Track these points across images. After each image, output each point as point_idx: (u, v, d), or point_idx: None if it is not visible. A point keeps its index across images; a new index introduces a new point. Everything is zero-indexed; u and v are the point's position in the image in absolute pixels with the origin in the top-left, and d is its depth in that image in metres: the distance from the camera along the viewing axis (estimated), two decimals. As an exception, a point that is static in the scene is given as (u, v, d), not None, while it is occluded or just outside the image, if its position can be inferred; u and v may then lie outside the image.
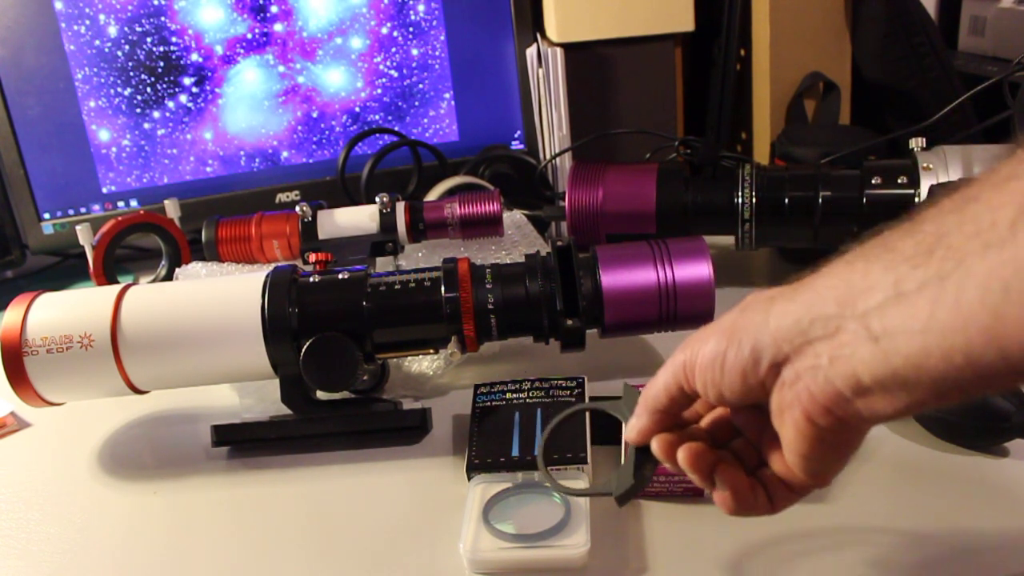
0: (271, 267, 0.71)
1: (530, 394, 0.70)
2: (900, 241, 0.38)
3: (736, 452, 0.48)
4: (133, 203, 1.07)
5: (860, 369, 0.38)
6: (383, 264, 0.85)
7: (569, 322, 0.68)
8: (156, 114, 1.05)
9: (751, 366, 0.42)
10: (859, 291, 0.38)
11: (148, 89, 1.04)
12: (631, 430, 0.50)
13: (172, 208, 0.98)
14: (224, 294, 0.69)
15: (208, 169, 1.08)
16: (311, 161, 1.10)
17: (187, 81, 1.04)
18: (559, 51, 1.03)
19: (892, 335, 0.36)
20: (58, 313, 0.68)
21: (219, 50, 1.04)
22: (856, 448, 0.43)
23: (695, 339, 0.45)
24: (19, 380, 0.68)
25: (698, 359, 0.44)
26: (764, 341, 0.41)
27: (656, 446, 0.48)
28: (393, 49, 1.08)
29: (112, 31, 1.01)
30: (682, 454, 0.47)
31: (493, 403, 0.69)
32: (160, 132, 1.05)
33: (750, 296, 0.44)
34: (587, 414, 0.67)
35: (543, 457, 0.55)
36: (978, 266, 0.34)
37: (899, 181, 0.80)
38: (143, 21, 1.02)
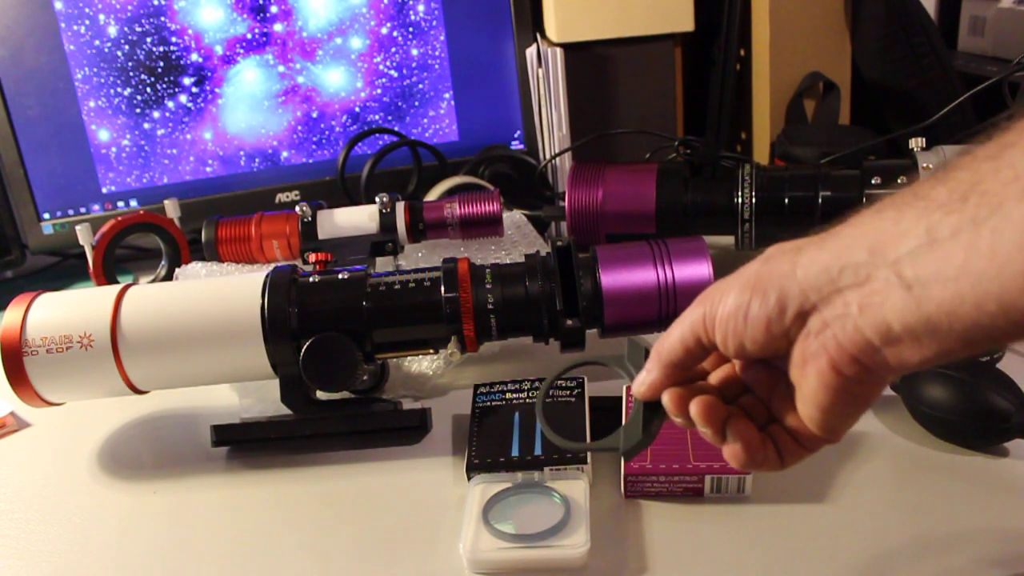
0: (271, 267, 0.71)
1: (530, 394, 0.70)
2: (932, 189, 0.37)
3: (745, 408, 0.48)
4: (133, 203, 1.07)
5: (891, 317, 0.37)
6: (383, 264, 0.85)
7: (569, 322, 0.68)
8: (156, 114, 1.05)
9: (776, 315, 0.41)
10: (891, 238, 0.37)
11: (148, 89, 1.04)
12: (641, 384, 0.48)
13: (172, 208, 0.98)
14: (224, 294, 0.69)
15: (208, 169, 1.08)
16: (311, 161, 1.10)
17: (187, 81, 1.04)
18: (559, 51, 1.03)
19: (925, 282, 0.36)
20: (58, 313, 0.68)
21: (219, 50, 1.04)
22: (871, 403, 0.42)
23: (714, 291, 0.44)
24: (19, 380, 0.68)
25: (719, 310, 0.43)
26: (791, 290, 0.41)
27: (668, 400, 0.47)
28: (393, 49, 1.08)
29: (112, 31, 1.01)
30: (695, 407, 0.46)
31: (493, 403, 0.69)
32: (160, 132, 1.05)
33: (773, 247, 0.44)
34: (587, 414, 0.67)
35: (542, 410, 0.53)
36: (1016, 211, 0.33)
37: (899, 181, 0.80)
38: (143, 21, 1.02)
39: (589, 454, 0.63)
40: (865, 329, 0.38)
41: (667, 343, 0.47)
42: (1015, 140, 0.35)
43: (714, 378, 0.49)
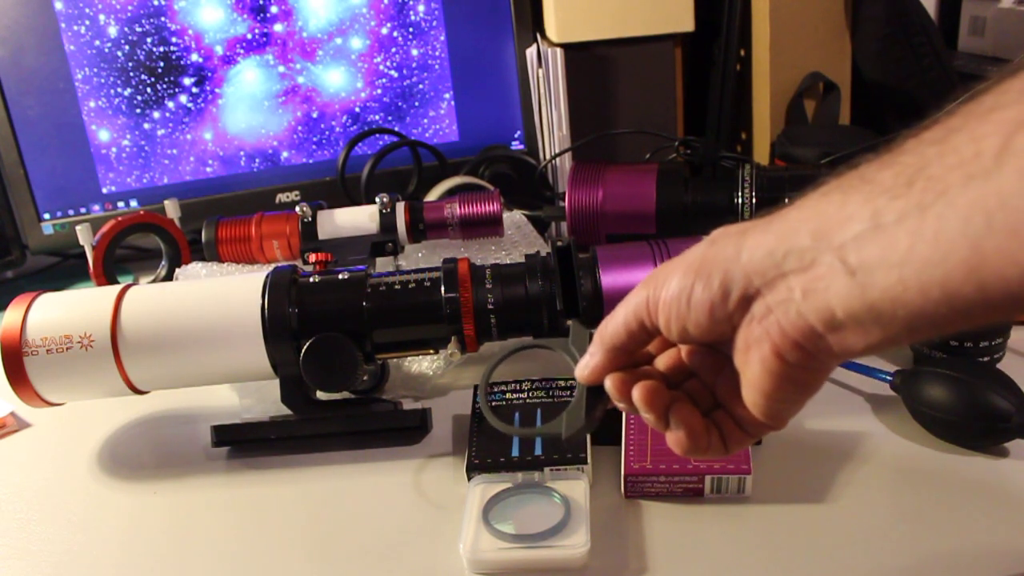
0: (271, 267, 0.71)
1: (530, 394, 0.70)
2: (878, 172, 0.37)
3: (690, 393, 0.47)
4: (133, 203, 1.07)
5: (834, 303, 0.36)
6: (383, 264, 0.85)
7: (569, 322, 0.68)
8: (156, 114, 1.05)
9: (720, 300, 0.40)
10: (836, 223, 0.37)
11: (148, 89, 1.04)
12: (584, 368, 0.48)
13: (172, 208, 0.98)
14: (224, 294, 0.69)
15: (208, 169, 1.08)
16: (311, 161, 1.10)
17: (187, 81, 1.04)
18: (559, 51, 1.03)
19: (869, 268, 0.35)
20: (58, 313, 0.68)
21: (219, 50, 1.04)
22: (817, 389, 0.41)
23: (658, 274, 0.44)
24: (19, 380, 0.68)
25: (662, 294, 0.43)
26: (735, 274, 0.40)
27: (611, 384, 0.46)
28: (393, 49, 1.08)
29: (112, 31, 1.01)
30: (637, 392, 0.45)
31: (493, 403, 0.69)
32: (160, 132, 1.05)
33: (718, 230, 0.43)
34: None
35: (484, 389, 0.53)
36: (960, 197, 0.33)
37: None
38: (143, 21, 1.02)
39: (589, 454, 0.63)
40: (808, 315, 0.37)
41: (610, 326, 0.46)
42: (960, 124, 0.34)
43: (659, 363, 0.48)
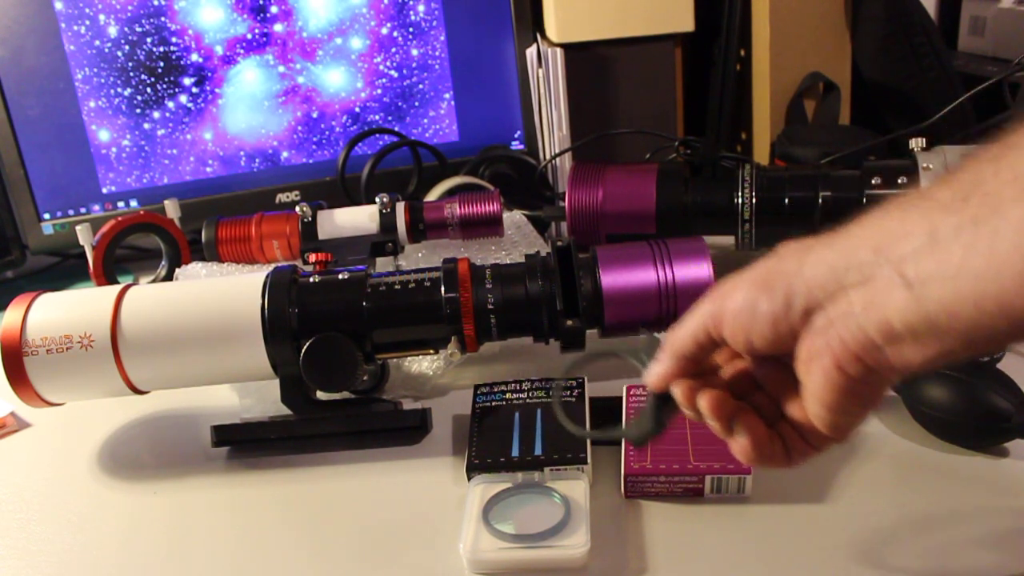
0: (271, 267, 0.71)
1: (530, 394, 0.70)
2: (937, 190, 0.38)
3: (755, 404, 0.48)
4: (133, 203, 1.07)
5: (892, 315, 0.37)
6: (383, 264, 0.85)
7: (569, 322, 0.68)
8: (156, 114, 1.05)
9: (783, 312, 0.42)
10: (894, 238, 0.38)
11: (148, 89, 1.04)
12: (652, 375, 0.49)
13: (172, 208, 0.98)
14: (224, 294, 0.69)
15: (208, 169, 1.08)
16: (311, 161, 1.10)
17: (187, 81, 1.04)
18: (559, 51, 1.03)
19: (925, 281, 0.36)
20: (58, 313, 0.68)
21: (219, 50, 1.04)
22: (878, 402, 0.42)
23: (725, 288, 0.45)
24: (19, 380, 0.68)
25: (728, 306, 0.44)
26: (798, 288, 0.41)
27: (678, 391, 0.48)
28: (393, 49, 1.08)
29: (112, 31, 1.01)
30: (703, 400, 0.46)
31: (493, 403, 0.69)
32: (160, 132, 1.05)
33: (783, 245, 0.44)
34: (587, 415, 0.67)
35: (557, 399, 0.54)
36: (1014, 212, 0.34)
37: (899, 181, 0.80)
38: (143, 21, 1.02)
39: (589, 454, 0.63)
40: (868, 327, 0.38)
41: (679, 336, 0.48)
42: (1018, 142, 0.35)
43: (726, 373, 0.50)
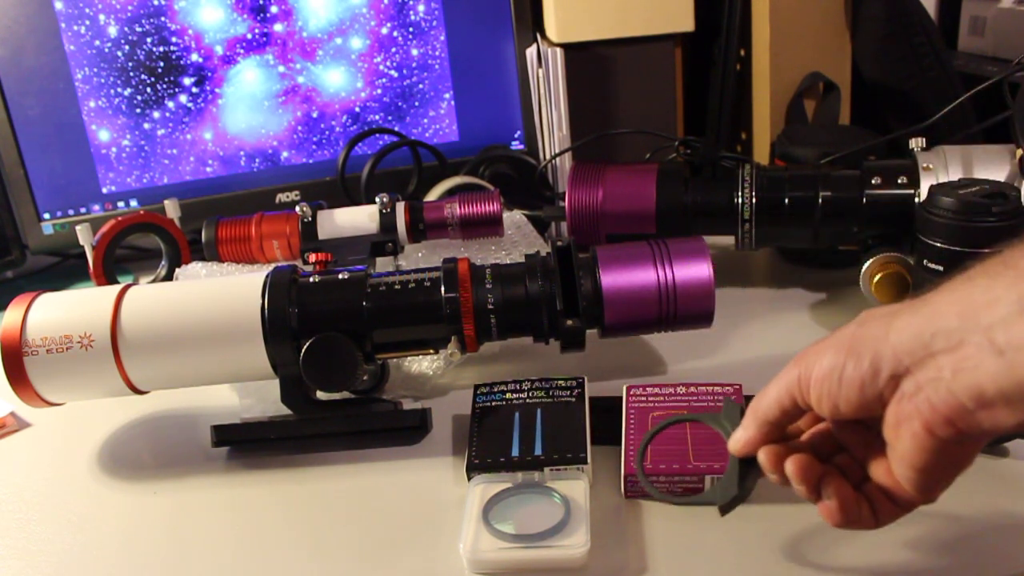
0: (271, 267, 0.71)
1: (530, 394, 0.70)
2: (1022, 259, 0.39)
3: (839, 467, 0.49)
4: (133, 203, 1.07)
5: (984, 381, 0.39)
6: (383, 264, 0.85)
7: (569, 322, 0.68)
8: (156, 114, 1.05)
9: (870, 378, 0.43)
10: (981, 305, 0.39)
11: (148, 89, 1.04)
12: (737, 442, 0.50)
13: (172, 208, 0.98)
14: (224, 294, 0.69)
15: (208, 169, 1.08)
16: (311, 161, 1.10)
17: (187, 81, 1.04)
18: (559, 51, 1.03)
19: (1017, 348, 0.38)
20: (58, 313, 0.68)
21: (219, 50, 1.04)
22: (969, 463, 0.44)
23: (810, 353, 0.46)
24: (19, 380, 0.68)
25: (814, 372, 0.45)
26: (884, 353, 0.42)
27: (763, 457, 0.49)
28: (393, 49, 1.08)
29: (112, 31, 1.01)
30: (791, 465, 0.48)
31: (493, 403, 0.69)
32: (160, 132, 1.05)
33: (867, 312, 0.46)
34: (587, 414, 0.67)
35: (640, 466, 0.57)
36: None
37: (899, 181, 0.80)
38: (143, 21, 1.02)
39: (589, 454, 0.63)
40: (959, 393, 0.40)
41: (764, 402, 0.49)
42: None
43: (809, 436, 0.51)
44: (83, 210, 1.06)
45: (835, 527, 0.48)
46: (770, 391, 0.48)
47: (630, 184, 0.86)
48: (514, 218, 0.91)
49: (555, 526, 0.57)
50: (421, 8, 1.07)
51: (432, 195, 0.98)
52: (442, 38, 1.09)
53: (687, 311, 0.69)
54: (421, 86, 1.10)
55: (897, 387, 0.42)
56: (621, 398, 0.68)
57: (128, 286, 0.71)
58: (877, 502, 0.47)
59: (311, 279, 0.70)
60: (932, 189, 0.70)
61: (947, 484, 0.45)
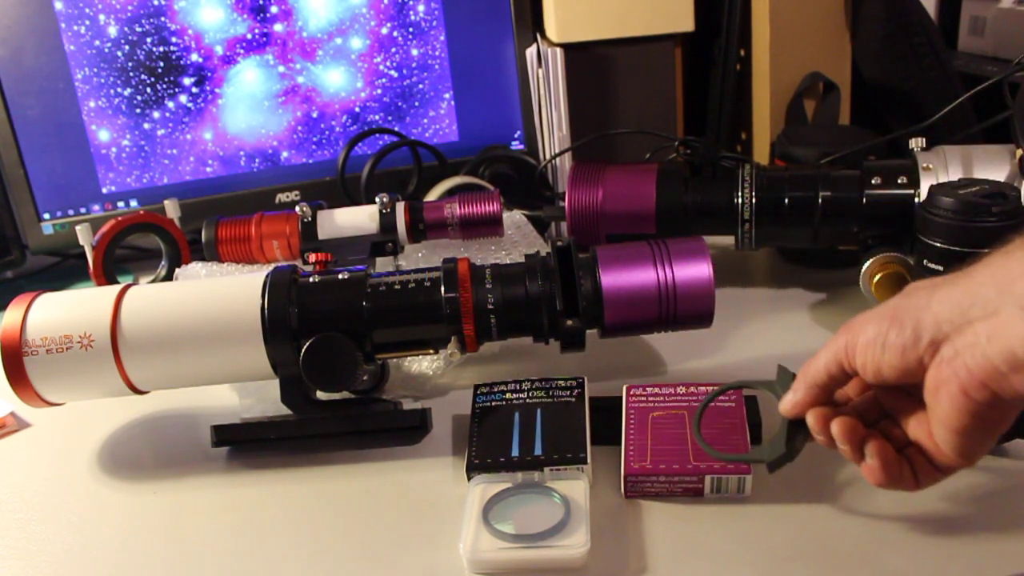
0: (271, 267, 0.71)
1: (530, 394, 0.70)
2: None
3: (883, 431, 0.51)
4: (133, 203, 1.07)
5: (1016, 345, 0.41)
6: (383, 264, 0.85)
7: (569, 322, 0.68)
8: (156, 114, 1.05)
9: (911, 344, 0.45)
10: (1016, 276, 0.42)
11: (148, 89, 1.04)
12: (787, 403, 0.53)
13: (172, 208, 0.98)
14: (224, 294, 0.69)
15: (208, 169, 1.08)
16: (311, 161, 1.10)
17: (187, 81, 1.04)
18: (559, 51, 1.03)
19: None
20: (58, 313, 0.68)
21: (219, 50, 1.04)
22: (1003, 428, 0.46)
23: (857, 321, 0.49)
24: (19, 380, 0.68)
25: (860, 339, 0.48)
26: (926, 321, 0.45)
27: (811, 418, 0.51)
28: (393, 49, 1.08)
29: (112, 31, 1.01)
30: (836, 426, 0.50)
31: (493, 403, 0.69)
32: (160, 132, 1.05)
33: (911, 284, 0.49)
34: (587, 415, 0.67)
35: (698, 429, 0.58)
36: None
37: (899, 181, 0.80)
38: (143, 21, 1.02)
39: (589, 454, 0.63)
40: (993, 356, 0.42)
41: (813, 367, 0.52)
42: None
43: (855, 403, 0.53)
44: (83, 210, 1.06)
45: (877, 486, 0.50)
46: (819, 357, 0.51)
47: (630, 184, 0.86)
48: (514, 218, 0.91)
49: (555, 526, 0.57)
50: (421, 8, 1.07)
51: (432, 195, 0.98)
52: (442, 38, 1.09)
53: (687, 311, 0.69)
54: (421, 86, 1.10)
55: (936, 352, 0.45)
56: (621, 398, 0.68)
57: (128, 286, 0.71)
58: (918, 465, 0.50)
59: (311, 279, 0.70)
60: (932, 189, 0.70)
61: (985, 449, 0.47)
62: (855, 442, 0.50)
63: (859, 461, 0.51)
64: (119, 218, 0.95)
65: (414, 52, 1.09)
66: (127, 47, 1.02)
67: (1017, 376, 0.42)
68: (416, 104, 1.10)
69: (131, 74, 1.03)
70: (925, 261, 0.69)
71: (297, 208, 0.86)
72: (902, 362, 0.46)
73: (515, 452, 0.64)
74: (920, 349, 0.45)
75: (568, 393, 0.69)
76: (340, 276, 0.70)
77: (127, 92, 1.03)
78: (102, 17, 1.00)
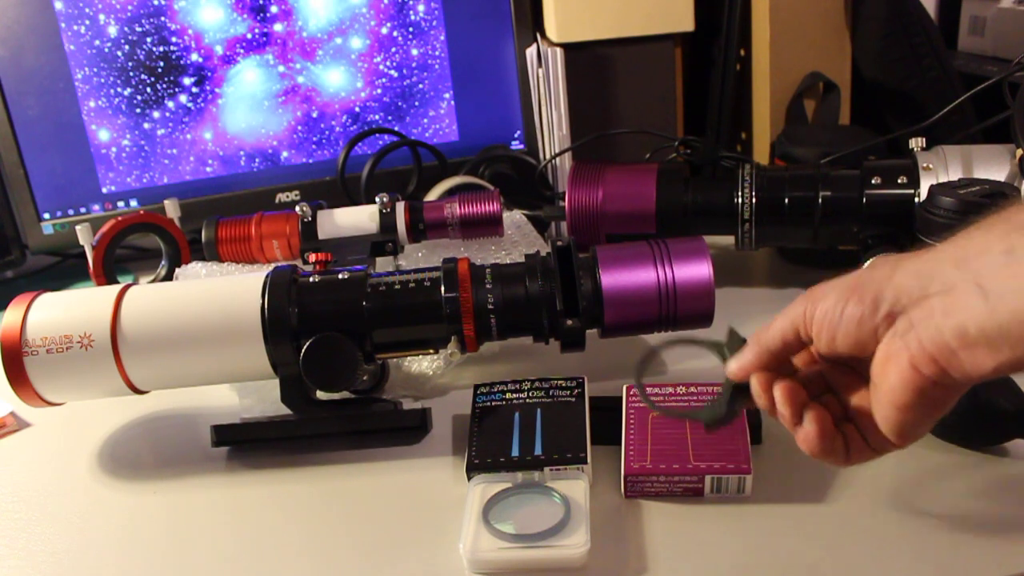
0: (271, 267, 0.71)
1: (530, 394, 0.70)
2: (1016, 214, 0.43)
3: (824, 404, 0.51)
4: (133, 203, 1.07)
5: (968, 321, 0.41)
6: (383, 264, 0.85)
7: (569, 322, 0.68)
8: (156, 114, 1.05)
9: (869, 314, 0.45)
10: (975, 253, 0.42)
11: (148, 89, 1.04)
12: (734, 365, 0.52)
13: (172, 208, 0.98)
14: (224, 294, 0.69)
15: (208, 169, 1.08)
16: (311, 161, 1.10)
17: (187, 81, 1.04)
18: (559, 51, 1.03)
19: (1000, 293, 0.40)
20: (58, 313, 0.68)
21: (219, 50, 1.04)
22: (944, 410, 0.46)
23: (818, 291, 0.49)
24: (19, 380, 0.68)
25: (819, 306, 0.48)
26: (886, 293, 0.45)
27: (756, 381, 0.51)
28: (393, 49, 1.08)
29: (112, 31, 1.01)
30: (779, 389, 0.50)
31: (493, 403, 0.69)
32: (160, 132, 1.05)
33: (878, 257, 0.49)
34: (587, 415, 0.67)
35: (638, 378, 0.57)
36: None
37: (899, 181, 0.80)
38: (143, 21, 1.02)
39: (589, 454, 0.63)
40: (945, 332, 0.42)
41: (768, 332, 0.51)
42: None
43: (801, 374, 0.53)
44: (83, 210, 1.06)
45: (809, 454, 0.50)
46: (776, 323, 0.51)
47: (630, 184, 0.86)
48: (514, 218, 0.91)
49: (555, 526, 0.57)
50: (421, 8, 1.07)
51: (432, 195, 0.98)
52: (442, 38, 1.09)
53: (687, 311, 0.69)
54: (421, 86, 1.10)
55: (892, 325, 0.45)
56: (621, 398, 0.68)
57: (128, 286, 0.71)
58: (852, 441, 0.50)
59: (311, 279, 0.70)
60: (932, 189, 0.70)
61: (922, 431, 0.47)
62: (795, 406, 0.50)
63: (796, 426, 0.50)
64: (119, 218, 0.95)
65: (414, 52, 1.09)
66: (127, 47, 1.02)
67: (967, 353, 0.42)
68: (416, 104, 1.10)
69: (131, 74, 1.03)
70: (925, 261, 0.69)
71: (297, 208, 0.86)
72: (857, 332, 0.46)
73: (515, 452, 0.64)
74: (876, 319, 0.45)
75: (568, 393, 0.69)
76: (340, 276, 0.70)
77: (127, 92, 1.03)
78: (102, 17, 1.00)
